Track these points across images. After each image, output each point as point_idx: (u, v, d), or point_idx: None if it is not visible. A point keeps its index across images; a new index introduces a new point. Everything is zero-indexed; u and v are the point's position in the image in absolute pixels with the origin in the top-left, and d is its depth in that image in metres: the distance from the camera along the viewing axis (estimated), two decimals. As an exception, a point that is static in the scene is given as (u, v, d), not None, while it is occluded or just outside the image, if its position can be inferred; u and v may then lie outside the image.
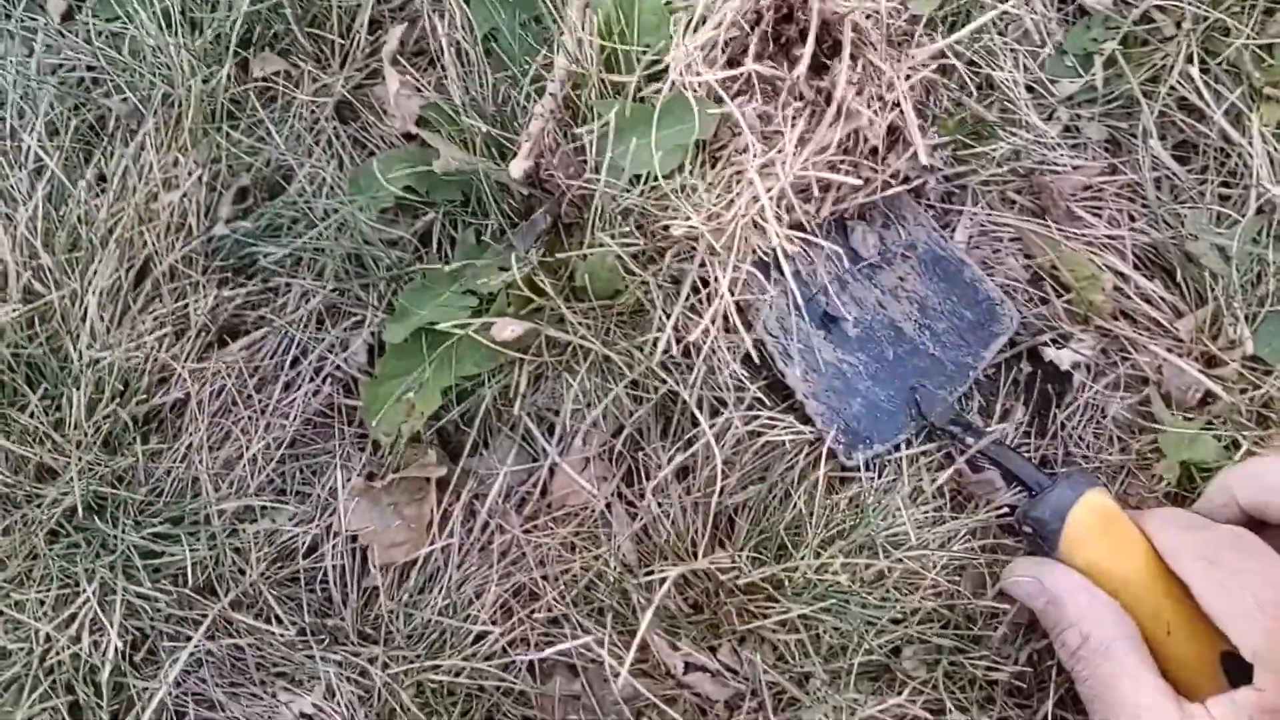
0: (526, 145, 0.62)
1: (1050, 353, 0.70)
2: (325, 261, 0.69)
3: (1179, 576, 0.55)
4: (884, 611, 0.63)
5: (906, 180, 0.69)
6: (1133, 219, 0.73)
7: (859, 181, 0.66)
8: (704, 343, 0.64)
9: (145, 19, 0.71)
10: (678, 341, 0.64)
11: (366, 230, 0.67)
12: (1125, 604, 0.57)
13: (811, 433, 0.68)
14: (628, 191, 0.62)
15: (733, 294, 0.62)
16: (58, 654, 0.63)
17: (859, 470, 0.67)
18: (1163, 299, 0.70)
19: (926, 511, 0.67)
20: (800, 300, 0.67)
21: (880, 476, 0.68)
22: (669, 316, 0.62)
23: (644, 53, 0.67)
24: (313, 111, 0.71)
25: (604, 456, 0.70)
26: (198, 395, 0.68)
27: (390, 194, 0.67)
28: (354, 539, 0.69)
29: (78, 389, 0.65)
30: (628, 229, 0.62)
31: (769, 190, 0.61)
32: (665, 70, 0.67)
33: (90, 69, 0.75)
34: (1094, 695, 0.55)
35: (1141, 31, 0.76)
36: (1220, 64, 0.73)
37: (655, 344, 0.62)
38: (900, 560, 0.64)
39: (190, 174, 0.67)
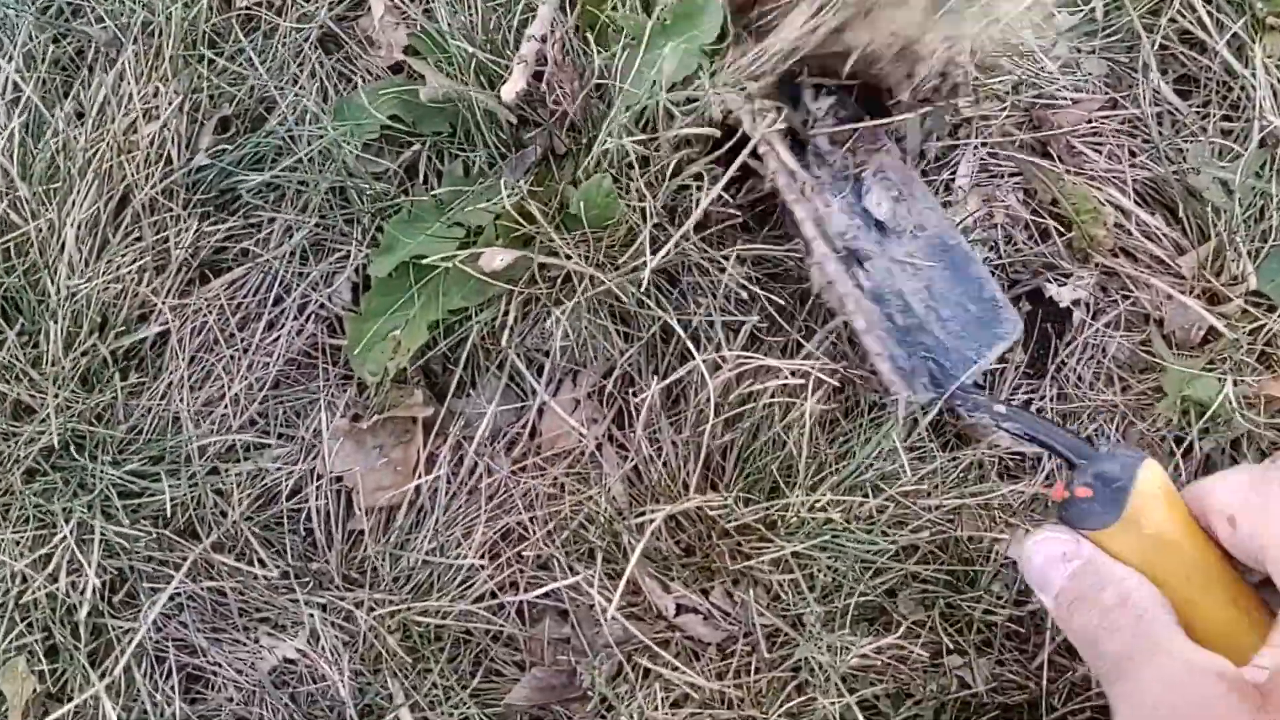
0: (519, 68, 0.60)
1: (1051, 289, 0.69)
2: (309, 195, 0.67)
3: (1216, 516, 0.51)
4: (879, 549, 0.61)
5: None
6: (1134, 154, 0.71)
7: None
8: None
9: (125, -54, 0.69)
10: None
11: (351, 162, 0.66)
12: (1188, 582, 0.49)
13: (805, 371, 0.66)
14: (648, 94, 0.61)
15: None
16: (34, 593, 0.62)
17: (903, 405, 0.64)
18: (1164, 235, 0.69)
19: (921, 453, 0.66)
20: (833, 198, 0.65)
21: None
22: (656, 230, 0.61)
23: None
24: (296, 39, 0.70)
25: (594, 397, 0.69)
26: (179, 332, 0.67)
27: (376, 124, 0.65)
28: (339, 480, 0.68)
29: (55, 323, 0.63)
30: (639, 137, 0.60)
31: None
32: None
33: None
34: (1128, 652, 0.50)
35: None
36: (1222, -7, 0.72)
37: (645, 266, 0.61)
38: (894, 500, 0.63)
39: (170, 104, 0.66)
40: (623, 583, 0.60)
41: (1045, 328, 0.71)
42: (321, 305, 0.69)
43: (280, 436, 0.68)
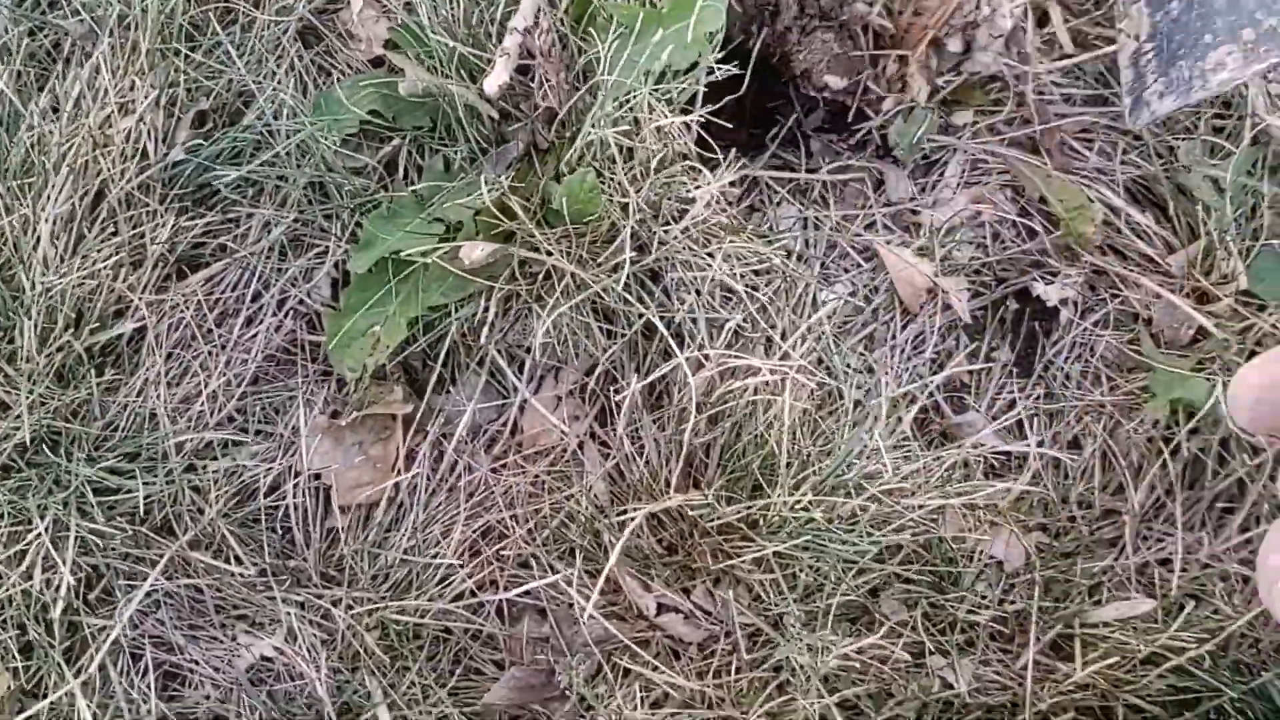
0: (501, 61, 0.59)
1: (1039, 287, 0.68)
2: (288, 190, 0.66)
3: None
4: (861, 549, 0.61)
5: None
6: (1124, 151, 0.70)
7: None
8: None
9: (102, -61, 0.68)
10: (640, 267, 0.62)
11: (330, 157, 0.65)
12: None
13: (784, 370, 0.65)
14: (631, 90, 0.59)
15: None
16: (8, 590, 0.61)
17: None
18: (1154, 233, 0.68)
19: (905, 452, 0.65)
20: None
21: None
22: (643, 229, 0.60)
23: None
24: (274, 33, 0.69)
25: (576, 394, 0.68)
26: (155, 328, 0.66)
27: (355, 118, 0.64)
28: (317, 478, 0.67)
29: (29, 319, 0.62)
30: (625, 128, 0.59)
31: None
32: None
33: (47, -7, 0.72)
34: None
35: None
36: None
37: (624, 264, 0.60)
38: (877, 499, 0.62)
39: (147, 98, 0.65)
40: (601, 580, 0.59)
41: (1033, 326, 0.70)
42: (300, 301, 0.68)
43: (258, 433, 0.67)
